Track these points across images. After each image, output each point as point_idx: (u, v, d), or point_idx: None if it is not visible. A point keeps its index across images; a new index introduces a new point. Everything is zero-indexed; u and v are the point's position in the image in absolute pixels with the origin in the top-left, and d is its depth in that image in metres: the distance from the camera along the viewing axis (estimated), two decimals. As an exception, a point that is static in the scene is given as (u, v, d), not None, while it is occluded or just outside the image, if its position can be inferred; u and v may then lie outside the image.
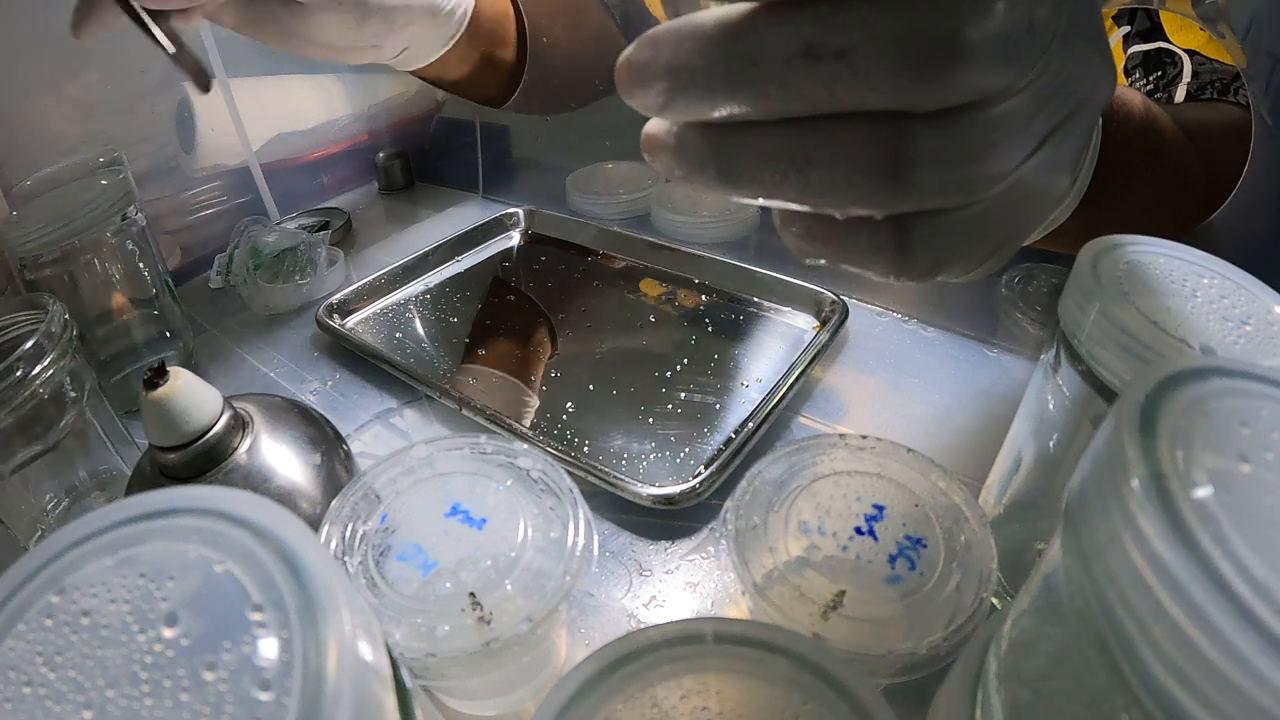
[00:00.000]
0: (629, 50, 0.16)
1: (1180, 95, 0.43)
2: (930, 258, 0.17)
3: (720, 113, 0.16)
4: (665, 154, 0.17)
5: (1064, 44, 0.16)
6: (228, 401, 0.30)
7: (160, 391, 0.27)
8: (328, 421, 0.34)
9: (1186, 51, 0.43)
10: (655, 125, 0.18)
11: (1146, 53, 0.45)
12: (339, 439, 0.34)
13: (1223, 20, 0.32)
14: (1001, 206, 0.17)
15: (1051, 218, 0.28)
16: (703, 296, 0.52)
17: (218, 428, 0.29)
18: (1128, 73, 0.47)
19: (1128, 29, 0.46)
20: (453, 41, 0.47)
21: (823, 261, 0.18)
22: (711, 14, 0.15)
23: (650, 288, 0.50)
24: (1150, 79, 0.45)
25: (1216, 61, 0.41)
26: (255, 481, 0.29)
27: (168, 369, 0.28)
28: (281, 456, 0.31)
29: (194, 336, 0.53)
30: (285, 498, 0.30)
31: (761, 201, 0.17)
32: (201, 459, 0.28)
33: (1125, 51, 0.46)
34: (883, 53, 0.14)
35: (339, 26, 0.39)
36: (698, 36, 0.15)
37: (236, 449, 0.30)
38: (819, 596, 0.24)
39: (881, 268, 0.17)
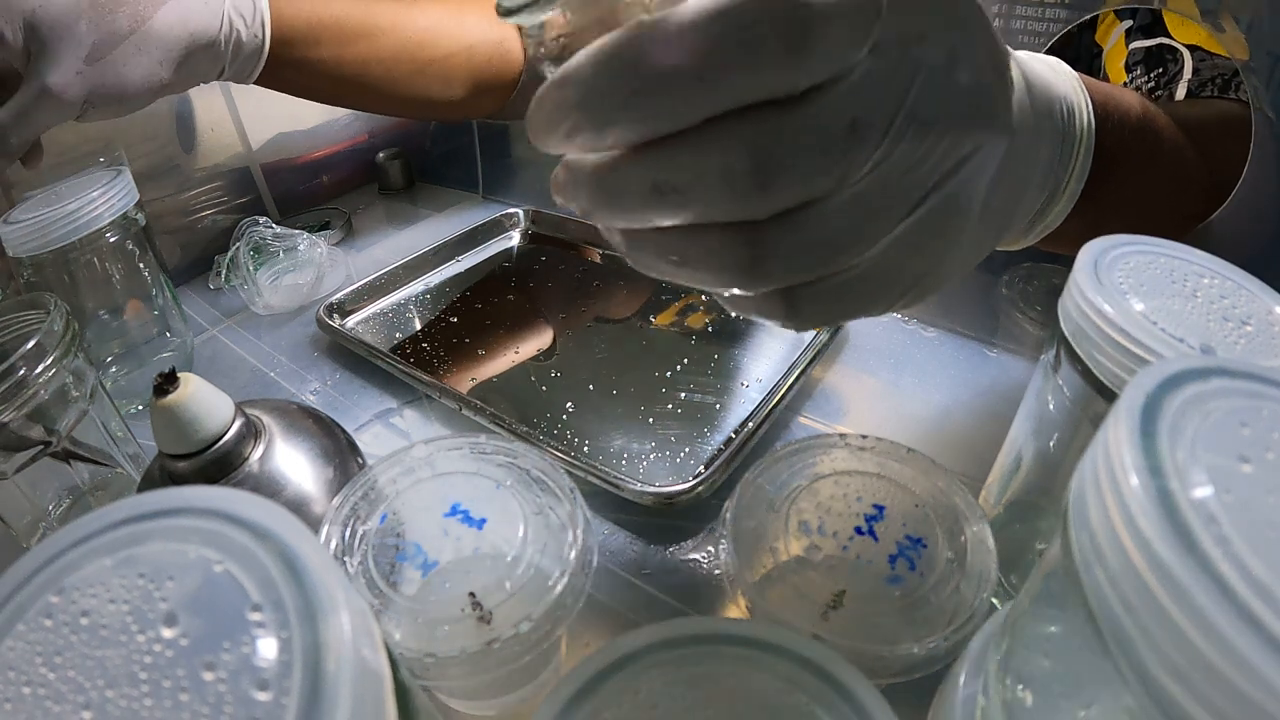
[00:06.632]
0: (556, 170, 0.19)
1: (1181, 93, 0.43)
2: (820, 315, 0.19)
3: (624, 224, 0.19)
4: (611, 239, 0.21)
5: (916, 125, 0.17)
6: (240, 408, 0.29)
7: (170, 398, 0.26)
8: (342, 430, 0.34)
9: (1188, 47, 0.43)
10: None
11: (1148, 49, 0.45)
12: (353, 449, 0.33)
13: (1225, 13, 0.32)
14: (891, 261, 0.19)
15: (1045, 224, 0.28)
16: (709, 315, 0.52)
17: (229, 435, 0.28)
18: (1129, 69, 0.47)
19: (1130, 23, 0.46)
20: (260, 60, 0.45)
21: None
22: (591, 157, 0.18)
23: (663, 320, 0.50)
24: (1151, 76, 0.45)
25: (1218, 57, 0.41)
26: (267, 491, 0.28)
27: (178, 375, 0.27)
28: (295, 465, 0.30)
29: (194, 336, 0.53)
30: (298, 508, 0.29)
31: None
32: (212, 467, 0.28)
33: (1128, 46, 0.46)
34: (710, 188, 0.17)
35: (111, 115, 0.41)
36: (584, 173, 0.18)
37: (248, 457, 0.29)
38: (819, 596, 0.24)
39: (782, 325, 0.20)
